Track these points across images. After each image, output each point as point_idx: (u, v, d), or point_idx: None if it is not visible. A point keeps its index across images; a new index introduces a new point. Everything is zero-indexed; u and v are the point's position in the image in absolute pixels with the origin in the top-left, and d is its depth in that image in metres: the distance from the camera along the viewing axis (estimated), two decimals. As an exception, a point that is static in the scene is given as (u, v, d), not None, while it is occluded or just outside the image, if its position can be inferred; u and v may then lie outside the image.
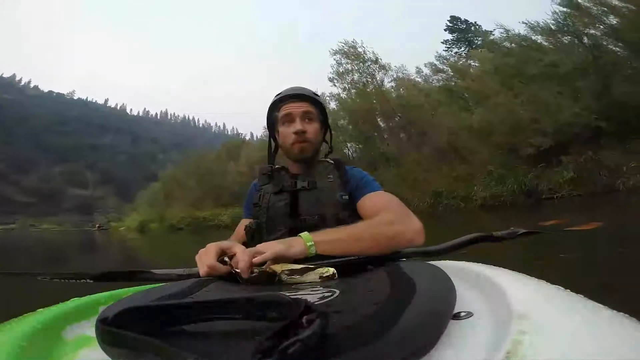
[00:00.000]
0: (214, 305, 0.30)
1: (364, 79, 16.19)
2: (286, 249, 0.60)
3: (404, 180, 10.91)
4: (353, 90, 16.29)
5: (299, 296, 0.33)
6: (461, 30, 25.39)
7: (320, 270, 0.55)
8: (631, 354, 0.21)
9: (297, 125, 0.87)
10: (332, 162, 0.91)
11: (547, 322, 0.25)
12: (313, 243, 0.63)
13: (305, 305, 0.25)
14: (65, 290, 0.64)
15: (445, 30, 25.82)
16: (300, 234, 0.65)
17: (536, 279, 0.38)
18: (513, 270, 0.43)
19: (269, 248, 0.60)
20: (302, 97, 0.90)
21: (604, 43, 10.39)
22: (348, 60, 16.48)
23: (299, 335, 0.21)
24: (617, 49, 10.10)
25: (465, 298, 0.38)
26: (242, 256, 0.56)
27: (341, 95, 16.94)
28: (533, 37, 12.23)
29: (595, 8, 10.74)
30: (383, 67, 16.23)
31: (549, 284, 0.36)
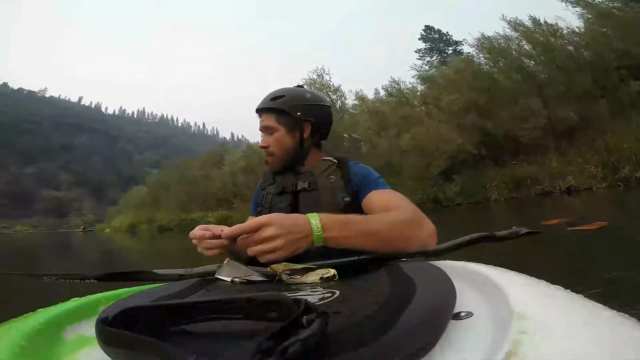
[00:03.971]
0: (214, 305, 0.30)
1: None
2: (294, 250, 0.56)
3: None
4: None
5: (299, 296, 0.33)
6: (434, 40, 25.76)
7: (321, 271, 0.55)
8: (631, 354, 0.21)
9: (260, 142, 0.92)
10: (335, 160, 0.89)
11: (547, 322, 0.25)
12: (322, 243, 0.59)
13: (306, 305, 0.25)
14: (65, 290, 0.65)
15: (419, 39, 26.18)
16: (312, 225, 0.58)
17: (536, 279, 0.38)
18: (513, 270, 0.43)
19: (275, 234, 0.54)
20: (261, 111, 0.92)
21: (496, 83, 13.04)
22: (315, 88, 18.26)
23: (299, 335, 0.21)
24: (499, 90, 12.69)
25: (465, 298, 0.37)
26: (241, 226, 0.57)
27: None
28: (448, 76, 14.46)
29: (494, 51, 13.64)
30: (342, 95, 18.56)
31: (549, 284, 0.36)
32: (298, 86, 0.99)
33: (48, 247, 11.79)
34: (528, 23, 13.26)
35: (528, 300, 0.29)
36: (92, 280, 0.62)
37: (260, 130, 0.93)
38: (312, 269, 0.56)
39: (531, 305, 0.28)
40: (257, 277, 0.57)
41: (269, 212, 0.83)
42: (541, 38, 12.80)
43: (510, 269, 0.44)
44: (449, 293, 0.34)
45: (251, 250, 0.55)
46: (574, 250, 2.58)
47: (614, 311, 0.27)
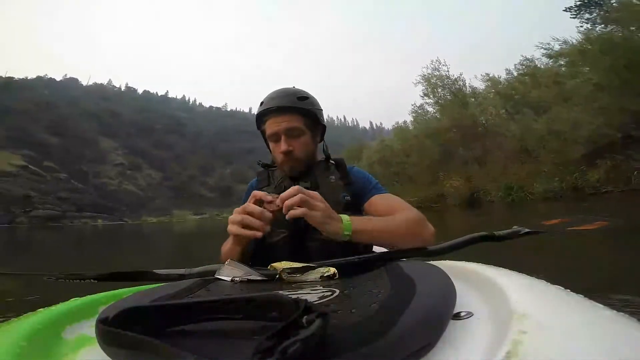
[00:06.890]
0: (214, 305, 0.30)
1: (448, 96, 17.87)
2: (322, 224, 0.65)
3: (487, 176, 13.72)
4: (446, 101, 18.05)
5: (299, 295, 0.33)
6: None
7: (322, 269, 0.55)
8: (631, 354, 0.21)
9: (282, 146, 0.83)
10: (332, 162, 0.91)
11: (547, 322, 0.25)
12: (350, 233, 0.67)
13: (306, 305, 0.25)
14: (65, 290, 0.65)
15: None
16: (342, 217, 0.68)
17: (536, 279, 0.38)
18: (513, 270, 0.43)
19: (321, 207, 0.65)
20: (285, 110, 0.84)
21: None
22: (431, 84, 18.10)
23: (299, 335, 0.21)
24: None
25: (465, 298, 0.37)
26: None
27: (429, 108, 19.12)
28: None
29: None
30: (464, 85, 17.87)
31: (549, 284, 0.36)
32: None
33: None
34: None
35: (528, 300, 0.29)
36: (92, 280, 0.62)
37: (278, 134, 0.84)
38: (312, 268, 0.56)
39: (531, 305, 0.28)
40: (257, 277, 0.57)
41: None
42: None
43: (510, 269, 0.44)
44: (449, 293, 0.34)
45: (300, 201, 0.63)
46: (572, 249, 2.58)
47: (614, 311, 0.27)
